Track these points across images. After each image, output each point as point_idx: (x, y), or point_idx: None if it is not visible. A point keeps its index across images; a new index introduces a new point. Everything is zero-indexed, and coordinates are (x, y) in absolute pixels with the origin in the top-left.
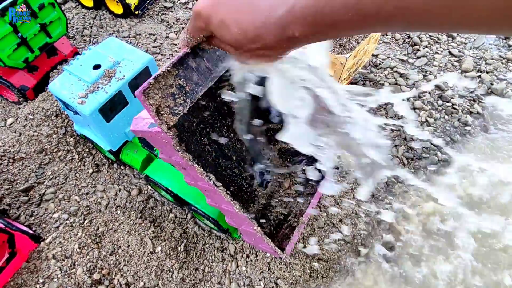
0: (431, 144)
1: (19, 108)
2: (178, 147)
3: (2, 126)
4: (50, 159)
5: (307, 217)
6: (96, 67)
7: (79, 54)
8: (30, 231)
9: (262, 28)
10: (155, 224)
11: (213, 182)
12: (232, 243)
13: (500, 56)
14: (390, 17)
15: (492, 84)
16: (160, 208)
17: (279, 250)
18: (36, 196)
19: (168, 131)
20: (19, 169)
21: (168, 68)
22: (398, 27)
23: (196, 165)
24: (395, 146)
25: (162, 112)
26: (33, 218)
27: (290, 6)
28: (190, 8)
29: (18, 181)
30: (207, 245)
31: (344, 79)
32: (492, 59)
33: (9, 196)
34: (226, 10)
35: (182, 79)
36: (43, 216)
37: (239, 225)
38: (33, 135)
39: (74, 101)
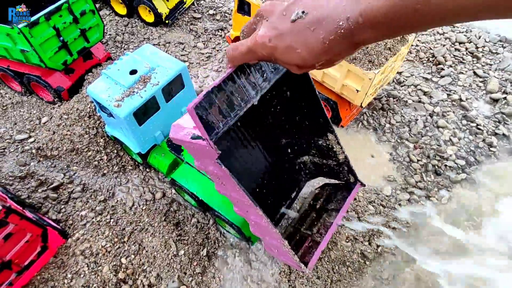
0: (455, 163)
1: (54, 107)
2: (220, 162)
3: (36, 124)
4: (80, 158)
5: (331, 233)
6: (133, 72)
7: (112, 59)
8: (58, 227)
9: (331, 42)
10: (179, 228)
11: (248, 197)
12: (252, 253)
13: None
14: (464, 6)
15: None
16: (183, 212)
17: (303, 265)
18: (64, 193)
19: (215, 146)
20: (51, 167)
21: (219, 84)
22: (466, 18)
23: (234, 179)
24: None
25: (210, 127)
26: (61, 214)
27: (357, 15)
28: (218, 19)
29: (49, 178)
30: (229, 252)
31: (370, 94)
32: None
33: (40, 192)
34: (292, 37)
35: (231, 95)
36: (71, 214)
37: (264, 236)
38: (66, 134)
39: (110, 103)
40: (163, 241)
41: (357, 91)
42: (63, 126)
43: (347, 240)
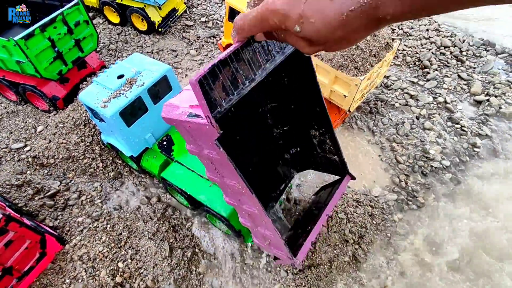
0: (440, 164)
1: (49, 116)
2: (219, 143)
3: (32, 133)
4: (76, 166)
5: (321, 224)
6: (120, 77)
7: (106, 67)
8: (56, 234)
9: (350, 14)
10: (174, 232)
11: (245, 182)
12: (248, 257)
13: (508, 81)
14: None
15: (500, 108)
16: (178, 216)
17: (292, 256)
18: (61, 201)
19: (217, 125)
20: (47, 174)
21: (225, 58)
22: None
23: (232, 163)
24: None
25: (213, 104)
26: (57, 221)
27: None
28: (210, 27)
29: (45, 186)
30: (225, 257)
31: (358, 99)
32: (500, 83)
33: (36, 200)
34: (308, 4)
35: (235, 72)
36: (68, 220)
37: (255, 226)
38: (62, 142)
39: (98, 105)
40: (159, 245)
41: (345, 96)
42: (59, 134)
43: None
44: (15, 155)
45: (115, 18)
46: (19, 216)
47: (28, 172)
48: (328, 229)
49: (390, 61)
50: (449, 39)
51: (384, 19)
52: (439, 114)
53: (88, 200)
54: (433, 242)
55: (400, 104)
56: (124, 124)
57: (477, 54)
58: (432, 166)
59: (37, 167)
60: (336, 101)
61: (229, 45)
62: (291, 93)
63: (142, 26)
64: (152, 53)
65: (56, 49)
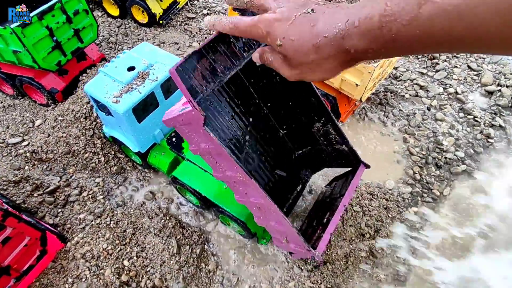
0: (454, 155)
1: (47, 110)
2: (206, 127)
3: (30, 127)
4: (77, 161)
5: (339, 215)
6: (131, 69)
7: (106, 60)
8: (56, 231)
9: (323, 40)
10: (181, 227)
11: (242, 168)
12: (258, 252)
13: None
14: (460, 37)
15: None
16: (185, 211)
17: (311, 249)
18: (61, 197)
19: (199, 107)
20: (46, 170)
21: (201, 48)
22: (463, 49)
23: (224, 148)
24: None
25: (194, 91)
26: (58, 219)
27: (353, 19)
28: None
29: (44, 182)
30: (231, 253)
31: (370, 88)
32: (511, 73)
33: (35, 196)
34: (292, 24)
35: (213, 61)
36: (68, 217)
37: (269, 221)
38: (62, 136)
39: (109, 100)
40: (166, 242)
41: (357, 85)
42: (58, 128)
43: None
44: (12, 150)
45: (115, 11)
46: (17, 212)
47: (26, 167)
48: (343, 223)
49: None
50: None
51: (350, 52)
52: (450, 105)
53: (90, 196)
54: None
55: (410, 95)
56: (135, 120)
57: None
58: (446, 158)
59: (36, 162)
60: (346, 90)
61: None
62: (285, 90)
63: (143, 19)
64: (154, 45)
65: (55, 38)
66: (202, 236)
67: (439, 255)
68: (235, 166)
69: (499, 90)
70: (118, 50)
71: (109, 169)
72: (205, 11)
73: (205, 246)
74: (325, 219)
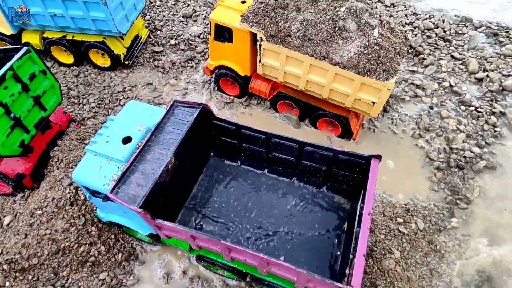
0: (471, 152)
1: (15, 201)
2: (158, 220)
3: None
4: (70, 259)
5: (367, 231)
6: (126, 140)
7: (74, 121)
8: None
9: None
10: None
11: (205, 236)
12: None
13: (497, 53)
14: None
15: (501, 81)
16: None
17: (345, 284)
18: None
19: (144, 211)
20: (33, 281)
21: (127, 168)
22: None
23: (180, 226)
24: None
25: (133, 200)
26: None
27: None
28: (182, 49)
29: None
30: None
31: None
32: (491, 57)
33: None
34: None
35: (143, 170)
36: None
37: (291, 275)
38: (45, 234)
39: (108, 187)
40: None
41: (373, 103)
42: (38, 224)
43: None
44: None
45: (67, 58)
46: None
47: (7, 284)
48: (391, 246)
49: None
50: (429, 21)
51: None
52: (449, 100)
53: None
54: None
55: (410, 97)
56: None
57: (459, 32)
58: (465, 157)
59: (17, 274)
60: (361, 109)
61: (217, 68)
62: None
63: (104, 62)
64: (125, 91)
65: (12, 115)
66: None
67: None
68: (202, 238)
69: (487, 76)
70: (84, 105)
71: (113, 258)
72: (172, 41)
73: None
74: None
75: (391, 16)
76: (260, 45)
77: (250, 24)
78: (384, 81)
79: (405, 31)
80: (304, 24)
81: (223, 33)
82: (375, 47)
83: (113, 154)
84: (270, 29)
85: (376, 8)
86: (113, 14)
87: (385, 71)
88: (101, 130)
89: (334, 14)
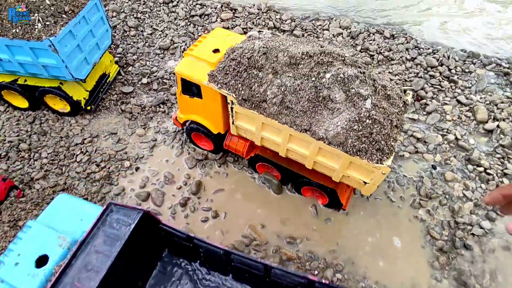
0: (481, 228)
1: None
2: None
3: None
4: None
5: None
6: (41, 261)
7: (17, 188)
8: None
9: None
10: None
11: None
12: None
13: (508, 97)
14: None
15: None
16: None
17: None
18: None
19: None
20: None
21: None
22: None
23: None
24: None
25: None
26: None
27: None
28: (155, 90)
29: None
30: None
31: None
32: (502, 102)
33: None
34: None
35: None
36: None
37: None
38: None
39: None
40: None
41: (365, 183)
42: None
43: None
44: None
45: (22, 102)
46: None
47: None
48: None
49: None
50: (433, 57)
51: None
52: (455, 157)
53: None
54: None
55: (410, 153)
56: None
57: (466, 70)
58: (473, 234)
59: None
60: (351, 184)
61: (194, 123)
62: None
63: (63, 107)
64: (85, 143)
65: None
66: None
67: None
68: None
69: (498, 126)
70: (35, 160)
71: None
72: (144, 80)
73: None
74: None
75: (389, 79)
76: (232, 107)
77: (219, 85)
78: (377, 163)
79: (405, 92)
80: (282, 89)
81: (191, 88)
82: (367, 121)
83: (20, 284)
84: (242, 92)
85: (370, 70)
86: (67, 60)
87: (379, 151)
88: (13, 244)
89: (317, 81)
